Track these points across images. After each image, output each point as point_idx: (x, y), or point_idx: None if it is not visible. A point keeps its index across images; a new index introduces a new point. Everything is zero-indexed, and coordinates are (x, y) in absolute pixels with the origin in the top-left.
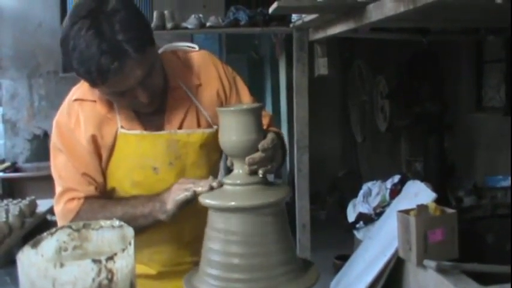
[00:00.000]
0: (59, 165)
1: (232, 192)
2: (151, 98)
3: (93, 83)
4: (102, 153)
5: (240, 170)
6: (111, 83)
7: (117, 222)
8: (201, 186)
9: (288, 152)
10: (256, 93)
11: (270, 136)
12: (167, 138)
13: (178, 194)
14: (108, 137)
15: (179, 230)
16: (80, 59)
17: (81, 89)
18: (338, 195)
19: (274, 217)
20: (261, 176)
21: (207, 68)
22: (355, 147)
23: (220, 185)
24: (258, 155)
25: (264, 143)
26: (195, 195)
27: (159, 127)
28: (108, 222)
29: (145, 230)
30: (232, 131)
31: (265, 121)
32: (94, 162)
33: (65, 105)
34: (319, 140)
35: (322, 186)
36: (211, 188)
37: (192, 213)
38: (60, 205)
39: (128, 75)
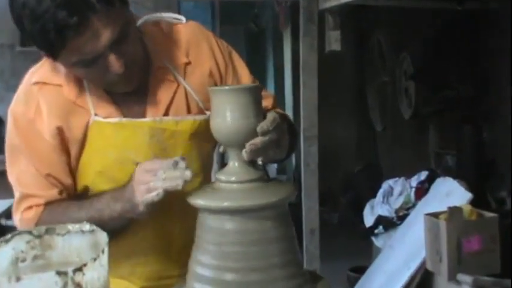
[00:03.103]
0: (17, 166)
1: (226, 190)
2: (128, 68)
3: (53, 49)
4: (70, 149)
5: (235, 162)
6: (74, 46)
7: (87, 226)
8: (170, 181)
9: (298, 138)
10: (256, 73)
11: (270, 116)
12: (151, 126)
13: (143, 195)
14: (77, 128)
15: (166, 236)
16: (32, 17)
17: (41, 70)
18: (353, 195)
19: (276, 221)
20: (260, 163)
21: (197, 42)
22: (373, 138)
23: (194, 174)
24: (260, 139)
25: (263, 125)
26: (167, 193)
27: (141, 114)
28: (77, 226)
29: (120, 230)
30: (227, 114)
31: (267, 102)
32: (60, 161)
33: (21, 90)
34: (331, 128)
35: (334, 183)
36: (186, 183)
37: (181, 213)
38: (18, 215)
39: (94, 34)
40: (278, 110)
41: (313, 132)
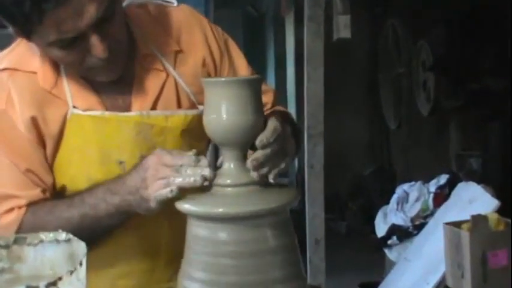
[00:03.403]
0: None
1: (221, 195)
2: (112, 53)
3: (27, 24)
4: (46, 143)
5: (231, 163)
6: (52, 22)
7: (63, 235)
8: (188, 178)
9: (302, 137)
10: (254, 63)
11: (270, 125)
12: (137, 121)
13: (157, 189)
14: (53, 122)
15: (153, 245)
16: None
17: (12, 55)
18: (363, 201)
19: (276, 230)
20: (272, 181)
21: (189, 28)
22: (387, 137)
23: (214, 176)
24: (261, 154)
25: (262, 138)
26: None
27: (126, 107)
28: (51, 234)
29: (108, 232)
30: (222, 109)
31: (267, 99)
32: (38, 155)
33: None
34: (339, 126)
35: (342, 188)
36: (205, 180)
37: (170, 219)
38: None
39: (76, 9)
40: (279, 107)
41: (318, 130)
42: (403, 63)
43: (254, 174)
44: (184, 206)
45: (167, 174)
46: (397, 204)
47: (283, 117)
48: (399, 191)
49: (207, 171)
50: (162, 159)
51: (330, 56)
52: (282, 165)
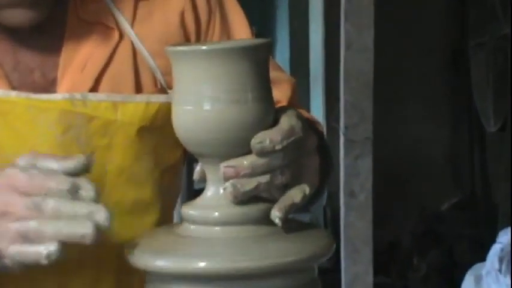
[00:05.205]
0: None
1: (203, 238)
2: None
3: None
4: None
5: (217, 186)
6: None
7: None
8: (67, 226)
9: (334, 155)
10: (259, 26)
11: (285, 122)
12: (65, 110)
13: (12, 241)
14: None
15: None
16: None
17: None
18: (440, 255)
19: None
20: (278, 222)
21: None
22: (481, 146)
23: (110, 214)
24: (261, 162)
25: (264, 137)
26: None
27: (47, 85)
28: None
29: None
30: (203, 96)
31: (280, 93)
32: None
33: None
34: (399, 125)
35: (405, 233)
36: (97, 232)
37: (113, 273)
38: None
39: None
40: (301, 110)
41: (363, 134)
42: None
43: (229, 191)
44: (143, 258)
45: (18, 213)
46: (500, 263)
47: (305, 122)
48: (503, 239)
49: (102, 217)
50: (14, 180)
51: (383, 8)
52: (298, 198)
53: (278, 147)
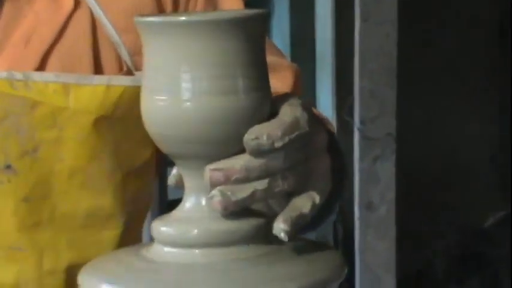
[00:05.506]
0: None
1: (178, 264)
2: None
3: None
4: None
5: (198, 195)
6: None
7: None
8: None
9: (349, 161)
10: None
11: (286, 113)
12: (0, 93)
13: None
14: None
15: None
16: None
17: None
18: (482, 281)
19: None
20: (283, 237)
21: None
22: None
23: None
24: (257, 164)
25: (261, 131)
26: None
27: None
28: None
29: None
30: (180, 82)
31: (279, 81)
32: None
33: None
34: (431, 119)
35: (438, 254)
36: None
37: None
38: None
39: None
40: (306, 102)
41: (384, 130)
42: None
43: (218, 201)
44: None
45: None
46: None
47: (312, 117)
48: None
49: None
50: None
51: None
52: (306, 208)
53: (278, 144)
